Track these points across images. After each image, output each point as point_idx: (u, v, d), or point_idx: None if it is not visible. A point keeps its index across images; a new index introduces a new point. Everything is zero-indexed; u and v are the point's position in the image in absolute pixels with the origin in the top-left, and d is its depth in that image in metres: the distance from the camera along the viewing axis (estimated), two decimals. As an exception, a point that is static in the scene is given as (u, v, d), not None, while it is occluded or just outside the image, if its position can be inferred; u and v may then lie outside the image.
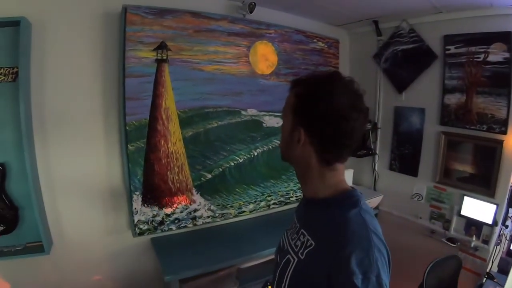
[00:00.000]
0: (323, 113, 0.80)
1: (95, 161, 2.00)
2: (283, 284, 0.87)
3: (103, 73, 1.94)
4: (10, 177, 1.72)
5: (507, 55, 2.15)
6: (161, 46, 2.01)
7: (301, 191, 2.61)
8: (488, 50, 2.23)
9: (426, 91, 2.58)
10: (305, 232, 0.88)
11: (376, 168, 2.97)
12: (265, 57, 2.45)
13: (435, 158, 2.57)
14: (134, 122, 1.98)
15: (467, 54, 2.33)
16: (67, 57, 1.83)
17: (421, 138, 2.65)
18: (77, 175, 1.94)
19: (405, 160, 2.76)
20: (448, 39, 2.42)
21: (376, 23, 2.72)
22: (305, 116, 0.83)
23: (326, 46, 2.79)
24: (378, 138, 2.93)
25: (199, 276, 2.01)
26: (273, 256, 2.19)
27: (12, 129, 1.68)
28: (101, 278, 2.09)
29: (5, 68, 1.67)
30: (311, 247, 0.82)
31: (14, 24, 1.60)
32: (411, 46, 2.60)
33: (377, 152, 2.95)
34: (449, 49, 2.42)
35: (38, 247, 1.79)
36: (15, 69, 1.66)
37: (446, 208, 2.54)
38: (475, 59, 2.30)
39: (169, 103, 2.09)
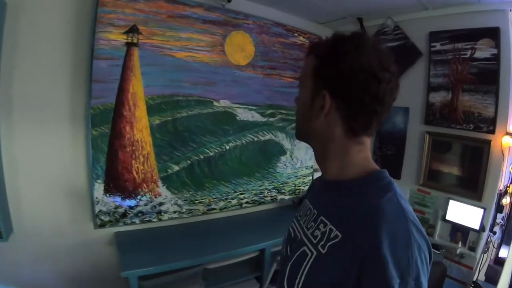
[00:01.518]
0: (350, 69, 0.82)
1: (60, 145, 2.29)
2: (297, 281, 0.87)
3: (73, 55, 2.26)
4: None
5: (494, 51, 2.47)
6: (132, 30, 2.37)
7: (276, 191, 3.02)
8: (475, 46, 2.57)
9: (410, 90, 2.97)
10: (326, 221, 0.88)
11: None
12: (241, 47, 2.86)
13: (419, 159, 2.95)
14: (99, 106, 2.31)
15: (453, 51, 2.69)
16: (38, 38, 2.13)
17: (405, 138, 3.05)
18: (42, 161, 2.23)
19: (388, 161, 3.16)
20: (434, 36, 2.80)
21: (360, 20, 3.16)
22: (329, 76, 0.86)
23: (307, 41, 3.23)
24: None
25: (161, 274, 2.29)
26: (242, 258, 2.60)
27: None
28: (61, 270, 2.38)
29: None
30: (337, 240, 0.81)
31: None
32: (395, 43, 3.04)
33: None
34: (434, 46, 2.82)
35: None
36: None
37: (430, 212, 2.88)
38: (462, 56, 2.64)
39: (137, 88, 2.44)
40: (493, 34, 2.47)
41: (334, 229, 0.83)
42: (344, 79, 0.83)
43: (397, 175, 3.07)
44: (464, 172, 2.70)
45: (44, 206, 2.28)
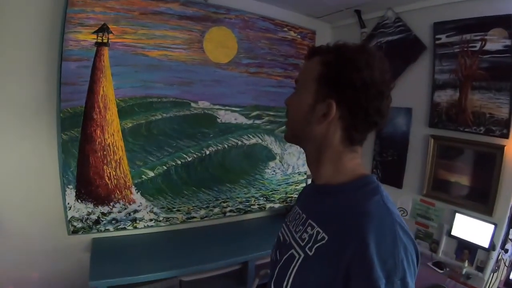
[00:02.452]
0: (363, 82, 0.94)
1: (33, 149, 2.55)
2: (285, 284, 0.99)
3: (44, 57, 2.50)
4: None
5: (508, 42, 2.41)
6: (102, 29, 2.58)
7: (265, 199, 3.15)
8: (486, 37, 2.52)
9: (413, 88, 2.99)
10: (314, 224, 1.01)
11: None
12: (222, 44, 3.04)
13: (423, 166, 2.95)
14: (69, 109, 2.53)
15: (460, 43, 2.66)
16: (9, 40, 2.38)
17: (407, 142, 3.08)
18: (16, 165, 2.51)
19: (389, 168, 3.23)
20: (439, 27, 2.80)
21: (358, 13, 3.27)
22: (338, 85, 0.97)
23: (299, 36, 3.39)
24: None
25: (134, 285, 2.47)
26: (222, 271, 2.78)
27: None
28: (37, 275, 2.64)
29: None
30: (323, 242, 0.93)
31: None
32: (396, 37, 3.11)
33: None
34: (439, 38, 2.80)
35: None
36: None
37: (434, 226, 2.88)
38: (470, 49, 2.60)
39: (107, 90, 2.64)
40: (506, 22, 2.41)
41: (321, 231, 0.95)
42: (354, 92, 0.95)
43: (398, 183, 3.13)
44: (473, 181, 2.66)
45: (21, 210, 2.55)
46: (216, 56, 3.02)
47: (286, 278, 0.98)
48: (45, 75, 2.51)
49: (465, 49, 2.63)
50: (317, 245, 0.94)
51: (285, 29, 3.31)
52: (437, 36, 2.82)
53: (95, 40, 2.56)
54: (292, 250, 1.02)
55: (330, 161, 1.04)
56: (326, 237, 0.92)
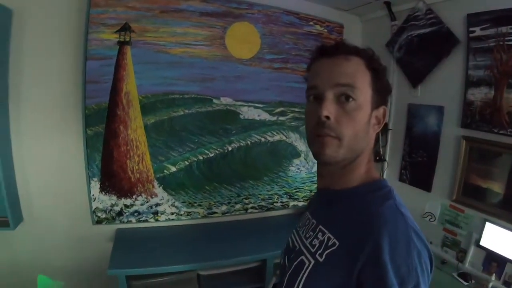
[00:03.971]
0: (390, 89, 1.07)
1: (62, 143, 2.77)
2: None
3: (69, 57, 2.70)
4: None
5: None
6: (124, 28, 2.74)
7: (288, 197, 3.17)
8: None
9: (445, 85, 2.86)
10: (324, 229, 1.01)
11: (384, 178, 3.26)
12: (244, 39, 3.10)
13: (454, 170, 2.82)
14: (93, 106, 2.73)
15: (496, 37, 2.49)
16: (40, 41, 2.60)
17: (438, 143, 2.95)
18: (47, 157, 2.74)
19: (418, 170, 3.14)
20: (473, 19, 2.63)
21: (388, 5, 3.17)
22: (386, 92, 1.05)
23: (326, 30, 3.36)
24: (389, 142, 3.26)
25: (152, 275, 2.62)
26: (243, 267, 2.87)
27: None
28: (62, 261, 2.86)
29: None
30: (334, 248, 0.93)
31: None
32: (428, 30, 2.97)
33: (387, 158, 3.26)
34: (473, 31, 2.60)
35: (4, 222, 2.55)
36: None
37: (462, 234, 2.75)
38: (507, 43, 2.43)
39: (130, 87, 2.81)
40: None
41: (332, 237, 0.95)
42: (388, 97, 1.05)
43: (427, 186, 3.04)
44: (508, 189, 2.49)
45: (49, 200, 2.78)
46: (238, 52, 3.09)
47: (296, 285, 0.98)
48: (71, 74, 2.71)
49: (501, 43, 2.45)
50: (328, 251, 0.94)
51: (311, 23, 3.30)
52: (471, 29, 2.63)
53: (117, 39, 2.71)
54: (302, 257, 1.02)
55: (361, 167, 1.04)
56: (337, 243, 0.93)
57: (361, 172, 1.03)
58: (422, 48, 3.00)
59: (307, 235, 1.07)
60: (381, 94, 1.01)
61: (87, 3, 2.60)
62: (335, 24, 3.39)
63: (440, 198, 2.92)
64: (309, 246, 1.02)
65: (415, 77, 3.09)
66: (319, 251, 0.96)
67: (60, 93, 2.71)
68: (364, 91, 0.97)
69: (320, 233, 1.01)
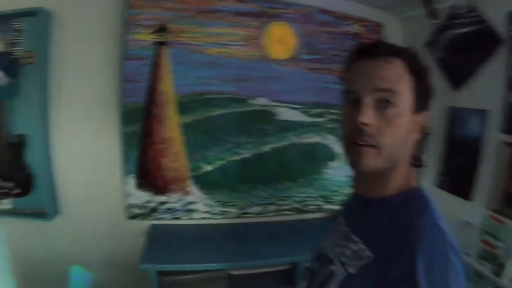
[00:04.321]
0: (434, 93, 0.95)
1: (100, 140, 2.72)
2: None
3: (108, 57, 2.64)
4: (30, 147, 2.54)
5: None
6: (161, 29, 2.63)
7: (323, 200, 2.89)
8: None
9: (488, 87, 2.48)
10: (357, 239, 0.92)
11: (422, 186, 2.89)
12: (281, 40, 2.87)
13: (495, 178, 2.44)
14: (131, 104, 2.65)
15: None
16: (80, 42, 2.58)
17: (479, 149, 2.55)
18: (85, 152, 2.71)
19: (458, 176, 2.74)
20: None
21: (428, 2, 2.75)
22: (429, 97, 0.93)
23: (364, 29, 3.04)
24: (428, 146, 2.88)
25: (184, 272, 2.52)
26: (274, 269, 2.71)
27: (33, 105, 2.48)
28: (96, 254, 2.81)
29: (30, 52, 2.47)
30: (368, 261, 0.84)
31: (35, 14, 2.39)
32: (470, 28, 2.58)
33: (425, 163, 2.88)
34: None
35: (43, 213, 2.59)
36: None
37: (502, 247, 2.36)
38: None
39: (167, 87, 2.70)
40: None
41: (366, 248, 0.87)
42: (431, 101, 0.94)
43: (466, 194, 2.63)
44: None
45: (85, 194, 2.74)
46: (275, 52, 2.87)
47: None
48: (109, 73, 2.66)
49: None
50: (361, 263, 0.85)
51: (348, 22, 3.00)
52: (512, 27, 2.28)
53: (154, 40, 2.61)
54: (333, 267, 0.94)
55: (401, 174, 0.92)
56: (372, 256, 0.84)
57: (398, 180, 0.92)
58: (464, 48, 2.62)
59: (339, 244, 0.97)
60: (423, 98, 0.90)
61: (124, 5, 2.53)
62: (373, 23, 3.06)
63: (480, 207, 2.51)
64: (341, 256, 0.93)
65: (457, 79, 2.69)
66: (351, 263, 0.88)
67: (99, 91, 2.67)
68: (405, 96, 0.86)
69: (352, 243, 0.92)
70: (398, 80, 0.85)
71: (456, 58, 2.70)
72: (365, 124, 0.83)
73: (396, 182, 0.92)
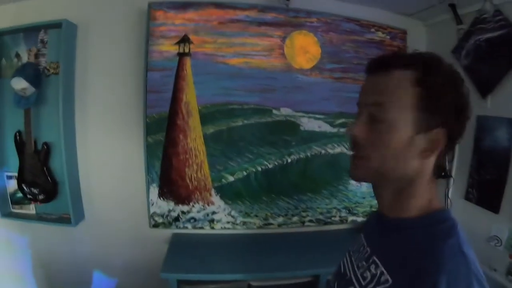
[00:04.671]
0: (467, 103, 0.80)
1: (124, 149, 2.63)
2: None
3: (132, 68, 2.54)
4: (55, 155, 2.50)
5: None
6: (183, 40, 2.48)
7: (347, 211, 2.64)
8: None
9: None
10: (378, 262, 0.82)
11: (449, 195, 2.60)
12: (304, 49, 2.65)
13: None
14: (154, 115, 2.51)
15: None
16: (103, 53, 2.51)
17: (509, 160, 2.26)
18: (109, 161, 2.64)
19: (486, 188, 2.44)
20: None
21: (453, 7, 2.51)
22: (444, 112, 0.77)
23: (388, 37, 2.78)
24: (455, 157, 2.57)
25: (204, 282, 2.35)
26: (295, 281, 2.45)
27: (59, 114, 2.38)
28: (118, 260, 2.73)
29: (55, 63, 2.44)
30: (386, 285, 0.76)
31: (60, 25, 2.33)
32: (497, 33, 2.30)
33: (453, 174, 2.59)
34: None
35: (67, 219, 2.52)
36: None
37: None
38: None
39: (190, 97, 2.54)
40: None
41: (386, 272, 0.78)
42: (462, 116, 0.79)
43: (495, 207, 2.33)
44: None
45: (110, 201, 2.67)
46: (298, 61, 2.65)
47: None
48: (133, 84, 2.56)
49: None
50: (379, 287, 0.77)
51: (372, 29, 2.74)
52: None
53: (177, 51, 2.47)
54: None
55: (419, 195, 0.81)
56: (390, 281, 0.75)
57: (419, 201, 0.81)
58: (492, 54, 2.35)
59: (360, 264, 0.89)
60: (435, 113, 0.75)
61: (147, 16, 2.40)
62: (398, 30, 2.79)
63: (509, 221, 2.24)
64: (361, 279, 0.85)
65: (484, 86, 2.39)
66: (371, 285, 0.79)
67: (123, 101, 2.58)
68: (399, 111, 0.76)
69: (373, 265, 0.83)
70: (393, 93, 0.77)
71: (483, 65, 2.43)
72: (354, 135, 0.83)
73: (416, 203, 0.81)
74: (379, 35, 2.75)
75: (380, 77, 0.80)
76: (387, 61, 0.81)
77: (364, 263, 0.87)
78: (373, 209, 2.85)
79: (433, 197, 0.82)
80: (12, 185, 2.57)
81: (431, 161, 0.79)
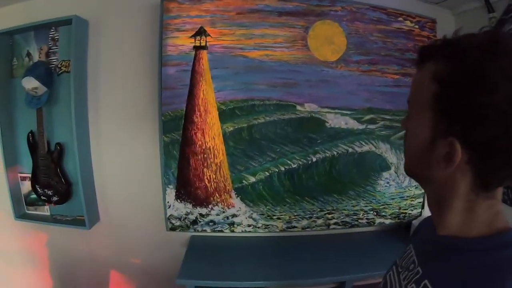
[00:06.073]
0: (502, 105, 0.55)
1: (138, 149, 2.49)
2: None
3: (146, 64, 2.39)
4: (68, 155, 2.40)
5: None
6: (199, 32, 2.29)
7: (374, 213, 2.46)
8: None
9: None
10: (430, 287, 0.67)
11: None
12: (329, 40, 2.43)
13: None
14: (170, 112, 2.33)
15: None
16: (116, 50, 2.38)
17: None
18: (123, 162, 2.51)
19: None
20: None
21: None
22: (463, 117, 0.60)
23: (417, 26, 2.53)
24: None
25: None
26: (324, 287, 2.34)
27: (71, 113, 2.26)
28: (135, 263, 2.65)
29: (66, 61, 2.32)
30: None
31: (70, 22, 2.20)
32: None
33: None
34: None
35: (81, 221, 2.43)
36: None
37: None
38: None
39: (208, 93, 2.35)
40: None
41: None
42: (489, 122, 0.57)
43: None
44: None
45: (125, 204, 2.56)
46: (322, 53, 2.43)
47: None
48: (148, 80, 2.39)
49: None
50: None
51: (400, 18, 2.49)
52: None
53: (193, 44, 2.28)
54: None
55: (457, 211, 0.67)
56: None
57: (457, 219, 0.67)
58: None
59: (409, 285, 0.73)
60: (451, 117, 0.60)
61: (160, 9, 2.22)
62: (426, 19, 2.53)
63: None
64: None
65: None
66: None
67: (137, 99, 2.42)
68: (418, 109, 0.68)
69: None
70: (416, 90, 0.71)
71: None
72: (402, 126, 0.79)
73: (465, 220, 0.67)
74: (408, 24, 2.50)
75: (416, 70, 0.72)
76: (421, 52, 0.71)
77: (414, 285, 0.71)
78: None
79: (492, 215, 0.66)
80: (26, 186, 2.49)
81: (462, 176, 0.64)
